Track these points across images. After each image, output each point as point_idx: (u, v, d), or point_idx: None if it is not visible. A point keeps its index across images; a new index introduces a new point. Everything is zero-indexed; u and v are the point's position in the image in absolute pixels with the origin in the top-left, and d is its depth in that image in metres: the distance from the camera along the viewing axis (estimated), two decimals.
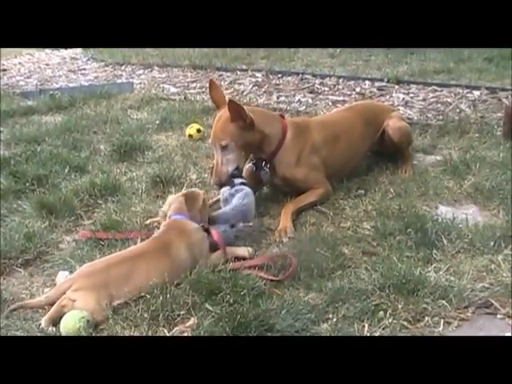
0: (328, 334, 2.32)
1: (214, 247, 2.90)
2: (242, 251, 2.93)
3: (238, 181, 3.32)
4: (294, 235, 3.16)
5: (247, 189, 3.25)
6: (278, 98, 6.15)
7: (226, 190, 3.28)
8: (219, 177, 3.35)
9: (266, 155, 3.50)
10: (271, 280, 2.70)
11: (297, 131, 3.55)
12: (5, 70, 8.54)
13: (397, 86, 6.33)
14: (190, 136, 4.77)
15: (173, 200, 3.01)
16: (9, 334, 2.38)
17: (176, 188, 3.78)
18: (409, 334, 2.32)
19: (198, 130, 4.78)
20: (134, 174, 4.08)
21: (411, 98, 5.93)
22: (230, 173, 3.35)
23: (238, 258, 2.88)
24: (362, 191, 3.66)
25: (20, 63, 9.08)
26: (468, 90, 6.02)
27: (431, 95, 5.97)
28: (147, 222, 3.27)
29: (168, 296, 2.49)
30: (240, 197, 3.18)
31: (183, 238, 2.79)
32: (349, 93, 6.23)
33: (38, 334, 2.37)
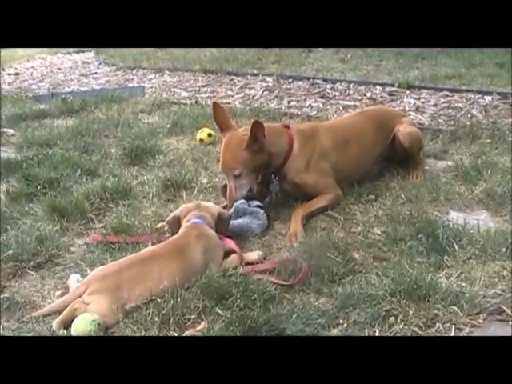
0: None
1: (226, 254, 2.92)
2: (253, 256, 2.94)
3: (253, 203, 3.35)
4: (304, 240, 3.15)
5: (261, 213, 3.31)
6: (288, 102, 6.15)
7: (239, 204, 3.34)
8: (234, 202, 3.35)
9: (274, 169, 3.50)
10: (281, 285, 2.70)
11: (304, 139, 3.54)
12: (17, 73, 8.60)
13: (408, 91, 6.32)
14: (201, 140, 4.78)
15: (187, 208, 3.06)
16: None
17: (187, 192, 3.79)
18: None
19: (209, 135, 4.78)
20: (145, 177, 4.09)
21: (422, 103, 5.92)
22: (243, 196, 3.37)
23: (248, 263, 2.89)
24: (373, 196, 3.64)
25: (32, 67, 9.14)
26: (479, 96, 6.00)
27: (442, 100, 5.96)
28: (158, 225, 3.28)
29: (179, 300, 2.49)
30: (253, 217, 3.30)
31: (201, 241, 2.83)
32: (359, 98, 6.22)
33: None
